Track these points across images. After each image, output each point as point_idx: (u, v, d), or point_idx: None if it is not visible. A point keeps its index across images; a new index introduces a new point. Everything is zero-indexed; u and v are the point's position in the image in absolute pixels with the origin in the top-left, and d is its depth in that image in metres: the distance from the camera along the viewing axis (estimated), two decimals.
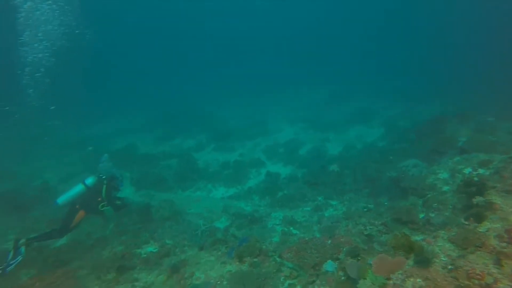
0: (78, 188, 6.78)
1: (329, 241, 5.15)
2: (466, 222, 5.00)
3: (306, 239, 5.22)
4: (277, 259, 5.15)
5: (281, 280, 4.63)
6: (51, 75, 12.54)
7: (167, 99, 26.41)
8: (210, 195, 10.80)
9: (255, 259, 4.98)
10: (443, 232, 5.09)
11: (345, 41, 41.01)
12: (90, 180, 6.88)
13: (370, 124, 15.17)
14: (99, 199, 6.77)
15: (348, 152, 12.04)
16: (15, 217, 9.46)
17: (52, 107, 12.51)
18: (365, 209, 7.31)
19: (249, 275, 4.33)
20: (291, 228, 7.26)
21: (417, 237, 5.13)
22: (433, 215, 5.77)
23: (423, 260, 3.93)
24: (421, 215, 5.88)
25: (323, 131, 15.45)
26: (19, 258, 5.88)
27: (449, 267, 4.04)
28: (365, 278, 3.91)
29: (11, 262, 5.78)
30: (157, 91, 29.78)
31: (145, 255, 5.91)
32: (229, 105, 23.95)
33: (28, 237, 6.22)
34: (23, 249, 6.02)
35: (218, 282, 4.53)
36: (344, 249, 4.87)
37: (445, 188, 6.70)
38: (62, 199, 6.67)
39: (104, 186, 6.89)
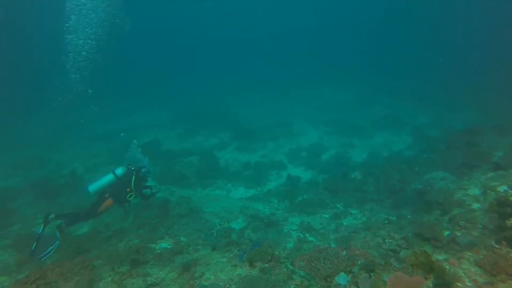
0: (109, 177, 7.07)
1: (344, 252, 4.96)
2: (497, 246, 4.64)
3: (320, 248, 5.05)
4: (289, 266, 5.03)
5: None
6: (92, 62, 13.10)
7: (193, 97, 26.82)
8: (229, 194, 10.81)
9: (266, 265, 4.89)
10: (469, 253, 4.75)
11: (372, 42, 39.65)
12: (120, 171, 7.15)
13: (397, 131, 14.58)
14: (128, 189, 7.04)
15: (373, 160, 11.63)
16: (45, 202, 9.97)
17: (89, 91, 13.07)
18: (386, 221, 7.00)
19: (258, 280, 4.25)
20: (307, 234, 7.09)
21: (439, 256, 4.83)
22: (459, 233, 5.41)
23: (444, 283, 3.66)
24: (446, 233, 5.53)
25: (347, 136, 15.05)
26: (57, 243, 6.27)
27: None
28: None
29: (50, 249, 6.17)
30: (184, 88, 30.32)
31: (159, 251, 5.99)
32: (254, 104, 23.90)
33: (57, 213, 6.61)
34: (57, 233, 6.39)
35: (227, 285, 4.48)
36: (359, 262, 4.66)
37: (475, 205, 6.28)
38: (93, 187, 6.99)
39: (133, 177, 7.15)
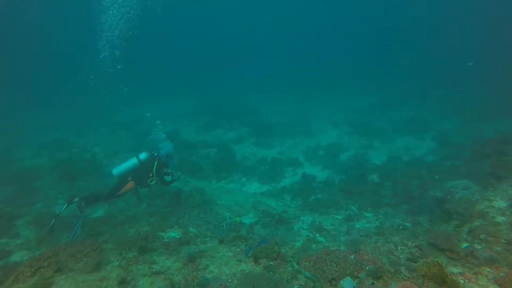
0: (132, 161, 7.28)
1: (352, 256, 4.80)
2: None
3: (328, 249, 4.92)
4: (295, 265, 4.93)
5: None
6: (124, 41, 13.50)
7: (214, 90, 26.95)
8: (243, 189, 10.79)
9: (271, 262, 4.81)
10: (488, 269, 4.47)
11: (397, 44, 38.15)
12: (143, 156, 7.34)
13: (420, 136, 13.95)
14: (150, 174, 7.21)
15: (392, 163, 11.21)
16: (66, 184, 10.36)
17: (118, 67, 13.45)
18: (401, 227, 6.75)
19: (260, 278, 4.19)
20: (317, 235, 6.95)
21: (454, 269, 4.57)
22: (479, 247, 5.10)
23: None
24: (464, 245, 5.23)
25: (368, 137, 14.60)
26: (80, 221, 6.60)
27: None
28: None
29: (76, 227, 6.52)
30: (206, 81, 30.49)
31: (167, 240, 6.06)
32: (275, 101, 23.75)
33: (82, 195, 6.90)
34: (78, 212, 6.70)
35: (229, 280, 4.45)
36: (367, 267, 4.50)
37: (499, 219, 5.91)
38: (117, 170, 7.22)
39: (156, 162, 7.31)
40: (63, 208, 6.67)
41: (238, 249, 5.47)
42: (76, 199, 6.75)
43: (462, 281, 4.14)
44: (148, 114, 10.06)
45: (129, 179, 7.12)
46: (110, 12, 13.08)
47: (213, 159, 12.76)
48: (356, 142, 14.42)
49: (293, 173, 11.75)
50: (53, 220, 6.57)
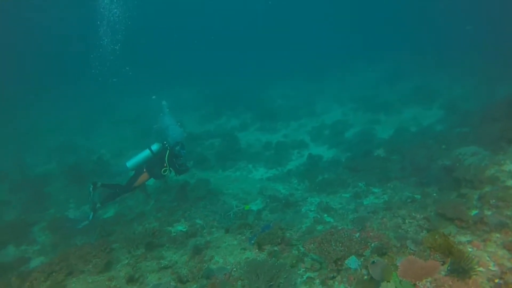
0: (145, 153, 7.46)
1: (357, 234, 4.73)
2: None
3: (333, 230, 4.86)
4: (301, 248, 4.90)
5: (301, 271, 4.39)
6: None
7: (217, 78, 26.52)
8: (250, 175, 10.77)
9: (275, 248, 4.80)
10: (497, 235, 4.34)
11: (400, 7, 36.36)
12: (155, 147, 7.50)
13: (428, 105, 13.53)
14: (164, 164, 7.36)
15: (399, 136, 10.95)
16: (76, 187, 10.54)
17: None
18: (409, 200, 6.61)
19: (264, 265, 4.18)
20: (325, 215, 6.89)
21: (463, 238, 4.45)
22: (489, 213, 4.96)
23: (459, 268, 3.35)
24: (474, 212, 5.08)
25: (374, 112, 14.27)
26: (86, 222, 7.20)
27: (497, 280, 3.40)
28: (388, 281, 3.48)
29: (82, 224, 7.22)
30: (209, 69, 30.04)
31: (175, 234, 6.11)
32: (280, 87, 23.18)
33: (103, 182, 7.26)
34: (91, 215, 7.24)
35: (234, 269, 4.46)
36: (372, 244, 4.43)
37: (510, 182, 5.72)
38: (131, 163, 7.45)
39: (167, 152, 7.42)
40: (92, 195, 7.05)
41: (244, 237, 5.48)
42: (98, 184, 7.08)
43: (470, 249, 4.02)
44: (154, 97, 10.20)
45: (144, 170, 7.33)
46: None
47: (217, 149, 12.74)
48: (362, 118, 14.13)
49: (299, 155, 11.65)
50: (91, 213, 7.23)
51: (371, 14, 39.21)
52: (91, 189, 7.00)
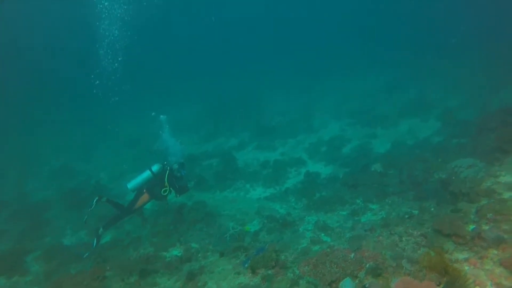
0: (146, 174, 7.44)
1: (352, 255, 4.63)
2: None
3: (327, 250, 4.76)
4: (296, 271, 4.79)
5: None
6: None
7: (216, 94, 26.44)
8: (247, 195, 10.68)
9: (269, 271, 4.69)
10: (494, 251, 4.23)
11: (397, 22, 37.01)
12: (155, 167, 7.50)
13: (424, 116, 13.55)
14: (165, 184, 7.35)
15: (396, 150, 10.91)
16: (74, 212, 10.49)
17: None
18: (407, 216, 6.50)
19: None
20: (322, 234, 6.78)
21: (460, 255, 4.35)
22: (486, 227, 4.86)
23: None
24: (471, 227, 4.99)
25: (370, 126, 14.28)
26: (87, 253, 7.03)
27: None
28: None
29: (86, 253, 7.04)
30: (208, 85, 30.04)
31: (169, 259, 6.01)
32: (278, 101, 23.24)
33: (108, 198, 7.19)
34: (94, 242, 7.09)
35: None
36: (367, 265, 4.33)
37: (506, 194, 5.66)
38: (131, 184, 7.40)
39: (167, 173, 7.42)
40: (93, 204, 6.95)
41: (238, 261, 5.37)
42: (104, 199, 7.03)
43: (467, 267, 3.92)
44: (153, 113, 10.29)
45: (144, 191, 7.32)
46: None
47: (215, 169, 12.72)
48: (359, 132, 14.13)
49: (296, 173, 11.58)
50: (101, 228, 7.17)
51: (370, 20, 39.82)
52: (94, 201, 6.91)
